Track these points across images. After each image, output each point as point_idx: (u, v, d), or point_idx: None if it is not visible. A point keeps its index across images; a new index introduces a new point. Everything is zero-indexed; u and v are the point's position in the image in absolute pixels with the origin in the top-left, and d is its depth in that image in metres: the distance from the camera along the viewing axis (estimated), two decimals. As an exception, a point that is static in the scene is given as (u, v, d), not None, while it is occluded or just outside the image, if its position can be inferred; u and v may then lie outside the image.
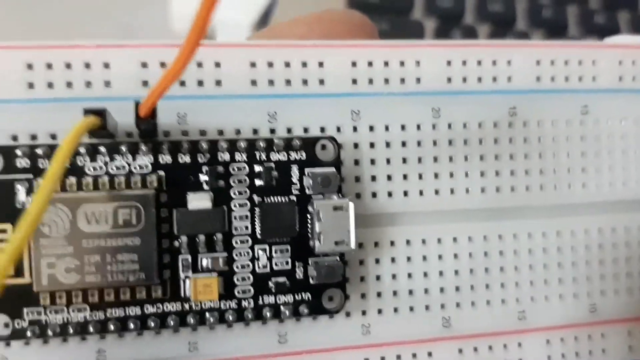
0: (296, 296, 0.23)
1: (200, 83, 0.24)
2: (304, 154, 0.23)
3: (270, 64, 0.24)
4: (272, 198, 0.23)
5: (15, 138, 0.22)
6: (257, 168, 0.23)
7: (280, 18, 0.44)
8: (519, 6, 0.50)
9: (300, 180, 0.23)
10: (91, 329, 0.22)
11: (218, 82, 0.24)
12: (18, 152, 0.21)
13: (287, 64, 0.24)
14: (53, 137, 0.22)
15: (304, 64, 0.24)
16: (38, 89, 0.23)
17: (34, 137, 0.22)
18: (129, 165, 0.22)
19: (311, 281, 0.23)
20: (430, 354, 0.25)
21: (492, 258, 0.26)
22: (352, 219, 0.22)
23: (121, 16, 0.50)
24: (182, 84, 0.23)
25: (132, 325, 0.22)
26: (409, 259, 0.25)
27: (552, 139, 0.26)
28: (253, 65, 0.24)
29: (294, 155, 0.23)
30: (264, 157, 0.23)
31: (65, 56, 0.23)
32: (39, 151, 0.21)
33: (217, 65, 0.24)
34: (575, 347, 0.26)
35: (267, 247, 0.23)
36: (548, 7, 0.50)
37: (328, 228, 0.22)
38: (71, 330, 0.22)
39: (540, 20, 0.51)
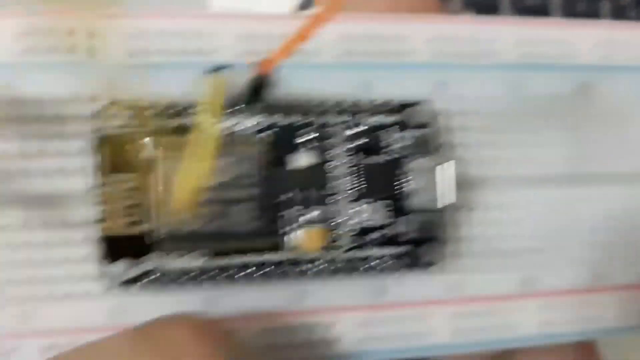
0: (395, 249, 0.24)
1: (298, 53, 0.25)
2: (401, 117, 0.25)
3: (364, 36, 0.26)
4: (370, 158, 0.24)
5: (134, 96, 0.24)
6: (356, 129, 0.24)
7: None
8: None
9: (398, 141, 0.25)
10: (207, 276, 0.23)
11: (314, 52, 0.25)
12: (145, 107, 0.23)
13: (380, 36, 0.26)
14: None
15: (396, 37, 0.26)
16: (153, 56, 0.24)
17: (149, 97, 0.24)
18: (238, 124, 0.24)
19: (410, 235, 0.24)
20: (514, 311, 0.26)
21: (571, 221, 0.27)
22: (452, 175, 0.24)
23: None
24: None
25: (245, 273, 0.23)
26: (495, 221, 0.26)
27: (624, 111, 0.28)
28: (347, 36, 0.26)
29: (390, 118, 0.25)
30: (361, 119, 0.24)
31: (180, 25, 0.24)
32: (164, 108, 0.23)
33: (309, 38, 0.25)
34: None
35: (366, 203, 0.24)
36: (582, 1, 0.52)
37: (426, 184, 0.24)
38: (189, 277, 0.23)
39: (574, 14, 0.52)
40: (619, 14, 0.52)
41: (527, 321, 0.27)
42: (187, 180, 0.17)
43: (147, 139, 0.23)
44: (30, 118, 0.23)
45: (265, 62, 0.21)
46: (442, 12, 0.30)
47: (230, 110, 0.23)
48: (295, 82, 0.25)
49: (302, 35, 0.20)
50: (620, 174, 0.28)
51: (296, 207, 0.24)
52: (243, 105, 0.24)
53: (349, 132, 0.24)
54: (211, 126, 0.18)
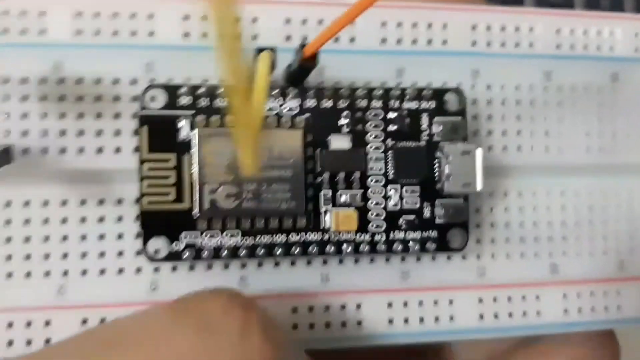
0: (423, 233, 0.25)
1: (336, 39, 0.26)
2: (433, 103, 0.25)
3: (399, 24, 0.26)
4: (404, 142, 0.25)
5: (172, 80, 0.24)
6: (391, 114, 0.25)
7: None
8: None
9: (430, 127, 0.25)
10: (241, 253, 0.24)
11: (352, 39, 0.26)
12: (182, 90, 0.23)
13: (415, 25, 0.26)
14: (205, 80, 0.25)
15: (429, 25, 0.26)
16: (193, 38, 0.25)
17: (187, 80, 0.25)
18: (280, 107, 0.24)
19: (437, 220, 0.25)
20: (537, 297, 0.27)
21: (595, 212, 0.27)
22: (480, 162, 0.24)
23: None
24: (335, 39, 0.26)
25: (278, 252, 0.24)
26: (520, 209, 0.27)
27: (651, 102, 0.28)
28: (384, 24, 0.26)
29: (424, 104, 0.25)
30: (397, 105, 0.25)
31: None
32: (201, 91, 0.24)
33: (352, 23, 0.26)
34: (671, 296, 0.28)
35: (398, 186, 0.25)
36: None
37: (456, 170, 0.24)
38: (223, 254, 0.23)
39: (598, 7, 0.52)
40: None
41: (551, 308, 0.27)
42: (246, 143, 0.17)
43: (184, 120, 0.23)
44: (74, 97, 0.24)
45: (309, 47, 0.22)
46: (479, 2, 0.30)
47: (276, 91, 0.24)
48: (335, 68, 0.26)
49: (345, 20, 0.20)
50: (646, 166, 0.28)
51: (332, 189, 0.24)
52: (287, 87, 0.24)
53: (384, 117, 0.25)
54: (260, 98, 0.18)
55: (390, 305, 0.26)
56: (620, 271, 0.28)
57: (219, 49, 0.12)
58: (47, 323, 0.23)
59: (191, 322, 0.19)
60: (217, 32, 0.12)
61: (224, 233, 0.23)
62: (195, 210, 0.23)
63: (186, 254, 0.23)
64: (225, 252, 0.23)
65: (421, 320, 0.26)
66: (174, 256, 0.23)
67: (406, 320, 0.26)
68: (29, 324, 0.23)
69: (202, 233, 0.23)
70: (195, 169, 0.23)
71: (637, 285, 0.28)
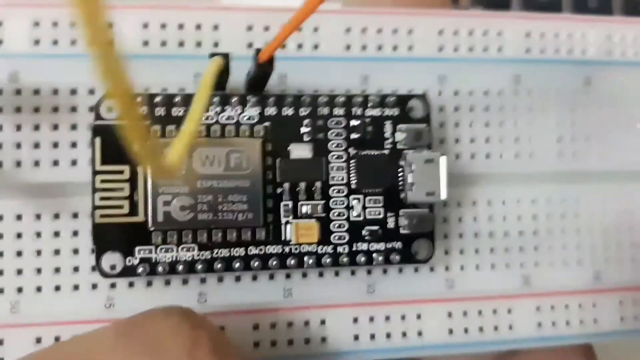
0: (387, 245, 0.24)
1: (299, 46, 0.25)
2: (396, 111, 0.25)
3: (364, 30, 0.26)
4: (367, 151, 0.24)
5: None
6: (354, 122, 0.24)
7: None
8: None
9: (393, 135, 0.24)
10: (198, 268, 0.23)
11: (315, 46, 0.25)
12: (157, 99, 0.23)
13: (379, 30, 0.26)
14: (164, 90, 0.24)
15: (395, 31, 0.26)
16: (152, 47, 0.24)
17: (146, 89, 0.24)
18: (238, 116, 0.23)
19: (402, 231, 0.24)
20: (509, 310, 0.26)
21: (568, 220, 0.27)
22: (444, 171, 0.24)
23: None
24: (283, 46, 0.25)
25: (237, 265, 0.23)
26: (489, 218, 0.26)
27: (625, 107, 0.27)
28: (348, 30, 0.26)
29: (387, 112, 0.25)
30: (359, 112, 0.24)
31: (178, 18, 0.24)
32: (157, 100, 0.23)
33: (315, 29, 0.25)
34: (649, 307, 0.27)
35: (361, 196, 0.24)
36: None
37: (420, 179, 0.24)
38: (180, 269, 0.23)
39: (585, 8, 0.51)
40: (631, 8, 0.51)
41: (524, 322, 0.26)
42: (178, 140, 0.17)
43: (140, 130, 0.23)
44: (30, 108, 0.23)
45: (264, 51, 0.21)
46: (447, 7, 0.29)
47: (235, 99, 0.23)
48: (299, 75, 0.25)
49: (293, 25, 0.20)
50: (620, 172, 0.27)
51: (292, 200, 0.24)
52: (247, 95, 0.23)
53: (346, 125, 0.24)
54: (202, 98, 0.18)
55: (355, 320, 0.25)
56: (596, 282, 0.27)
57: (93, 56, 0.11)
58: (0, 342, 0.23)
59: (139, 343, 0.19)
60: (87, 39, 0.11)
61: (180, 247, 0.23)
62: (150, 223, 0.22)
63: (140, 269, 0.23)
64: (182, 266, 0.23)
65: (388, 335, 0.25)
66: (128, 271, 0.23)
67: (372, 336, 0.25)
68: (-20, 342, 0.23)
69: (157, 247, 0.23)
70: (149, 180, 0.22)
71: (614, 297, 0.27)
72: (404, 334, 0.25)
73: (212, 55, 0.21)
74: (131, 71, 0.13)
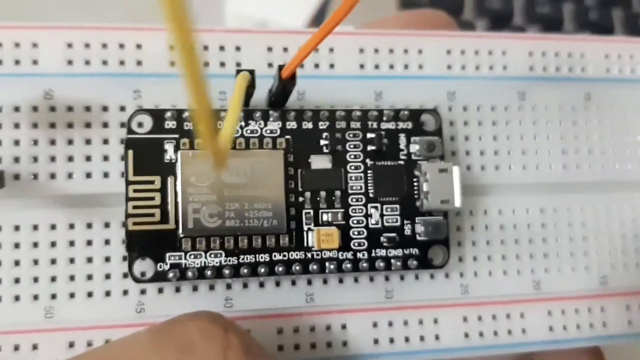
0: (405, 251, 0.25)
1: (316, 66, 0.27)
2: (410, 124, 0.26)
3: (376, 50, 0.27)
4: (383, 162, 0.26)
5: (158, 106, 0.25)
6: (370, 135, 0.26)
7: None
8: (566, 8, 0.54)
9: (407, 146, 0.26)
10: (226, 273, 0.24)
11: (332, 65, 0.27)
12: (167, 114, 0.24)
13: (391, 51, 0.27)
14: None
15: (405, 51, 0.28)
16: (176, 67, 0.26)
17: (174, 106, 0.25)
18: (261, 129, 0.25)
19: (418, 237, 0.26)
20: (522, 315, 0.27)
21: (575, 228, 0.28)
22: (457, 179, 0.25)
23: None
24: (301, 66, 0.27)
25: (262, 270, 0.24)
26: (501, 226, 0.27)
27: (624, 120, 0.29)
28: (361, 51, 0.27)
29: (401, 125, 0.26)
30: (375, 125, 0.26)
31: (203, 39, 0.26)
32: (185, 115, 0.25)
33: (331, 50, 0.27)
34: (655, 311, 0.28)
35: (379, 205, 0.25)
36: (594, 10, 0.53)
37: (434, 188, 0.25)
38: (208, 274, 0.24)
39: (586, 22, 0.53)
40: (632, 22, 0.53)
41: (536, 326, 0.27)
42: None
43: (169, 143, 0.24)
44: (64, 123, 0.24)
45: (287, 68, 0.23)
46: (453, 28, 0.31)
47: (257, 114, 0.25)
48: (316, 93, 0.27)
49: (313, 44, 0.21)
50: (622, 182, 0.29)
51: (313, 208, 0.25)
52: (269, 110, 0.25)
53: (363, 138, 0.26)
54: (233, 114, 0.19)
55: (375, 324, 0.26)
56: (603, 287, 0.28)
57: (183, 75, 0.13)
58: (35, 347, 0.24)
59: (172, 347, 0.20)
60: (179, 60, 0.13)
61: (208, 253, 0.24)
62: (180, 230, 0.24)
63: (171, 274, 0.24)
64: (210, 271, 0.24)
65: (407, 339, 0.26)
66: (159, 277, 0.24)
67: (392, 340, 0.26)
68: (16, 347, 0.24)
69: (186, 253, 0.24)
70: (179, 189, 0.24)
71: (621, 301, 0.28)
72: (422, 338, 0.26)
73: (239, 71, 0.22)
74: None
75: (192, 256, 0.24)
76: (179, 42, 0.12)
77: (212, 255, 0.24)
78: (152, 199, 0.24)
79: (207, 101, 0.14)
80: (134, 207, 0.24)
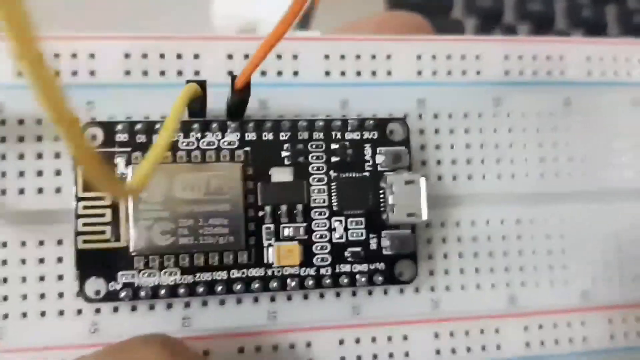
0: (370, 266, 0.24)
1: (279, 73, 0.26)
2: (375, 134, 0.25)
3: (343, 56, 0.26)
4: (347, 173, 0.25)
5: (112, 117, 0.24)
6: (333, 146, 0.25)
7: (322, 19, 0.45)
8: (558, 5, 0.52)
9: (373, 157, 0.25)
10: (181, 292, 0.23)
11: (295, 72, 0.26)
12: (118, 127, 0.23)
13: (358, 57, 0.26)
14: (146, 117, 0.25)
15: (373, 56, 0.26)
16: (134, 76, 0.25)
17: (129, 118, 0.24)
18: (218, 141, 0.24)
19: (384, 252, 0.24)
20: (497, 330, 0.26)
21: (553, 240, 0.27)
22: (424, 191, 0.24)
23: (162, 13, 0.51)
24: (263, 73, 0.26)
25: (219, 289, 0.23)
26: (474, 238, 0.26)
27: (606, 126, 0.27)
28: (327, 57, 0.26)
29: (366, 135, 0.25)
30: (339, 135, 0.25)
31: (159, 47, 0.25)
32: (138, 127, 0.24)
33: (295, 57, 0.26)
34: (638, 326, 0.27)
35: (343, 218, 0.24)
36: (587, 7, 0.52)
37: (400, 200, 0.24)
38: (162, 293, 0.23)
39: (579, 19, 0.52)
40: (626, 19, 0.52)
41: (512, 341, 0.26)
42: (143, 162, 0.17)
43: (120, 157, 0.23)
44: (12, 138, 0.24)
45: (239, 78, 0.22)
46: (427, 32, 0.30)
47: (214, 125, 0.24)
48: (279, 102, 0.26)
49: (264, 50, 0.20)
50: (604, 191, 0.27)
51: (274, 222, 0.24)
52: (226, 121, 0.24)
53: (326, 148, 0.25)
54: (169, 128, 0.18)
55: (341, 342, 0.25)
56: (584, 301, 0.27)
57: (33, 85, 0.12)
58: (-18, 368, 0.23)
59: None
60: (27, 71, 0.12)
61: (162, 271, 0.23)
62: (131, 248, 0.23)
63: (123, 294, 0.23)
64: (164, 290, 0.23)
65: (375, 357, 0.25)
66: (111, 296, 0.23)
67: (359, 358, 0.25)
68: (-34, 370, 0.23)
69: (139, 272, 0.23)
70: (130, 206, 0.23)
71: (603, 315, 0.27)
72: (391, 355, 0.25)
73: (189, 82, 0.21)
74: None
75: (146, 275, 0.23)
76: (24, 52, 0.11)
77: (167, 274, 0.23)
78: (103, 215, 0.23)
79: (69, 114, 0.13)
80: (84, 225, 0.23)
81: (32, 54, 0.11)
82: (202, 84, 0.22)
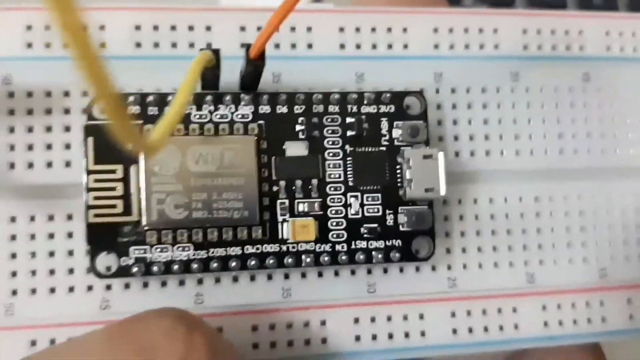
0: (387, 242, 0.24)
1: (293, 46, 0.25)
2: (392, 107, 0.24)
3: (358, 29, 0.26)
4: (363, 148, 0.24)
5: (123, 90, 0.24)
6: (349, 119, 0.24)
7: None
8: None
9: (390, 131, 0.24)
10: (194, 267, 0.22)
11: (309, 45, 0.25)
12: (130, 99, 0.23)
13: (374, 29, 0.26)
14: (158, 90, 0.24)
15: (389, 29, 0.26)
16: (145, 48, 0.24)
17: (140, 90, 0.24)
18: (231, 114, 0.23)
19: (401, 228, 0.24)
20: (514, 310, 0.25)
21: (572, 217, 0.26)
22: (442, 166, 0.23)
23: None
24: (277, 46, 0.25)
25: (233, 264, 0.23)
26: (492, 216, 0.26)
27: (626, 102, 0.27)
28: (342, 30, 0.25)
29: (383, 108, 0.24)
30: (355, 109, 0.24)
31: (170, 19, 0.24)
32: (150, 99, 0.23)
33: (309, 29, 0.25)
34: (658, 305, 0.26)
35: (359, 194, 0.24)
36: None
37: (418, 175, 0.23)
38: (175, 268, 0.22)
39: (590, 2, 0.51)
40: (636, 3, 0.51)
41: (530, 321, 0.26)
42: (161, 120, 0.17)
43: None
44: (21, 111, 0.23)
45: (253, 47, 0.21)
46: (443, 5, 0.29)
47: (227, 98, 0.23)
48: (293, 75, 0.25)
49: (278, 18, 0.20)
50: (623, 168, 0.27)
51: (289, 197, 0.23)
52: (240, 94, 0.23)
53: (342, 122, 0.24)
54: (182, 96, 0.18)
55: (356, 320, 0.24)
56: (602, 280, 0.26)
57: (75, 58, 0.11)
58: (-9, 343, 0.22)
59: (130, 347, 0.18)
60: (69, 41, 0.11)
61: (175, 246, 0.22)
62: (144, 222, 0.22)
63: (135, 269, 0.22)
64: (177, 266, 0.22)
65: (390, 336, 0.25)
66: (123, 272, 0.22)
67: (374, 337, 0.25)
68: (-25, 346, 0.22)
69: (151, 247, 0.22)
70: (142, 179, 0.22)
71: (622, 295, 0.26)
72: (407, 335, 0.25)
73: (202, 49, 0.21)
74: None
75: (158, 250, 0.22)
76: (64, 23, 0.10)
77: (180, 249, 0.22)
78: (114, 189, 0.22)
79: (110, 86, 0.12)
80: (95, 198, 0.22)
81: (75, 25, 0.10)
82: (217, 52, 0.21)
